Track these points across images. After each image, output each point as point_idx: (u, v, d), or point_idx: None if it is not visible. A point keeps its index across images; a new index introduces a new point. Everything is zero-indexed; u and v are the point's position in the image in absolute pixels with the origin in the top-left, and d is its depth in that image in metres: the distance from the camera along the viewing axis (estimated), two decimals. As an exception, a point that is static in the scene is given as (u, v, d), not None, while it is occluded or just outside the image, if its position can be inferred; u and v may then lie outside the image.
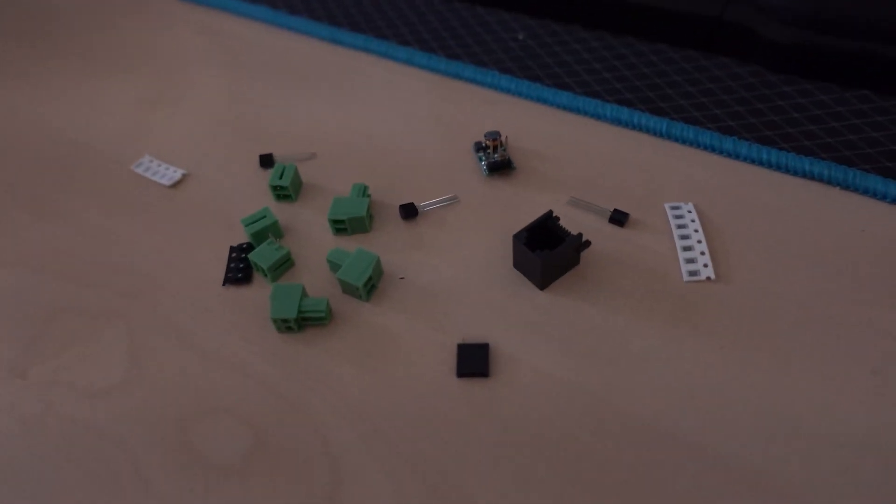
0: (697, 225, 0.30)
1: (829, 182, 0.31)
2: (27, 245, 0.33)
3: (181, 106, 0.40)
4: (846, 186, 0.30)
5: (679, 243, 0.29)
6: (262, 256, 0.30)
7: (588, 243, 0.28)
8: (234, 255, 0.31)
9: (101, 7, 0.49)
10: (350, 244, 0.31)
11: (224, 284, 0.30)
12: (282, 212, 0.33)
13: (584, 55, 0.38)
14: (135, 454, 0.25)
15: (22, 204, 0.35)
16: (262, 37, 0.44)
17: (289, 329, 0.28)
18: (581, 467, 0.23)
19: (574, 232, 0.28)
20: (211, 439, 0.25)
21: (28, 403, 0.27)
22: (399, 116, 0.37)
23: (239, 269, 0.30)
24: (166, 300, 0.30)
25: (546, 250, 0.27)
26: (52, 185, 0.36)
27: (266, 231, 0.31)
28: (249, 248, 0.31)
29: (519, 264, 0.29)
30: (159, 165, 0.36)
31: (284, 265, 0.30)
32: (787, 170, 0.31)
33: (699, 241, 0.29)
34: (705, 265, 0.28)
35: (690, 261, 0.28)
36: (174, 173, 0.35)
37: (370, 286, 0.29)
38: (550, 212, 0.28)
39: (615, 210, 0.30)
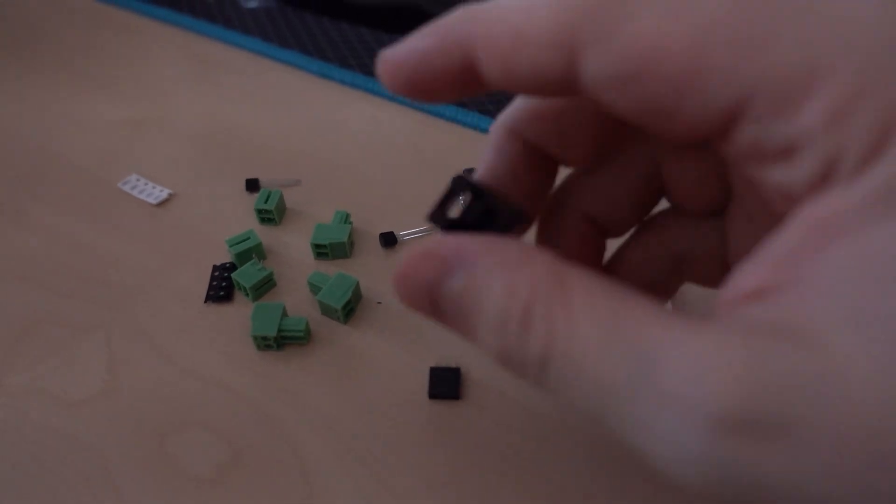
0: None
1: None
2: (7, 256, 0.34)
3: (169, 128, 0.41)
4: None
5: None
6: (245, 276, 0.31)
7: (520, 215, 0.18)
8: (216, 273, 0.32)
9: (90, 28, 0.50)
10: (331, 268, 0.32)
11: (206, 301, 0.31)
12: (266, 234, 0.34)
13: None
14: (110, 465, 0.26)
15: (2, 214, 0.36)
16: (253, 67, 0.45)
17: (268, 347, 0.29)
18: (544, 490, 0.24)
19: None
20: (187, 452, 0.26)
21: (3, 411, 0.27)
22: (382, 149, 0.39)
23: (221, 288, 0.31)
24: (147, 314, 0.31)
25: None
26: (35, 199, 0.37)
27: (250, 252, 0.32)
28: (233, 267, 0.32)
29: None
30: (146, 184, 0.37)
31: (266, 285, 0.31)
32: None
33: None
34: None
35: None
36: (160, 192, 0.36)
37: (349, 309, 0.30)
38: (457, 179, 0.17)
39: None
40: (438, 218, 0.16)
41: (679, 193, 0.19)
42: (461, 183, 0.16)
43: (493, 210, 0.16)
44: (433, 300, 0.15)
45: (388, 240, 0.33)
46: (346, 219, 0.33)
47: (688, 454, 0.12)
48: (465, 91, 0.16)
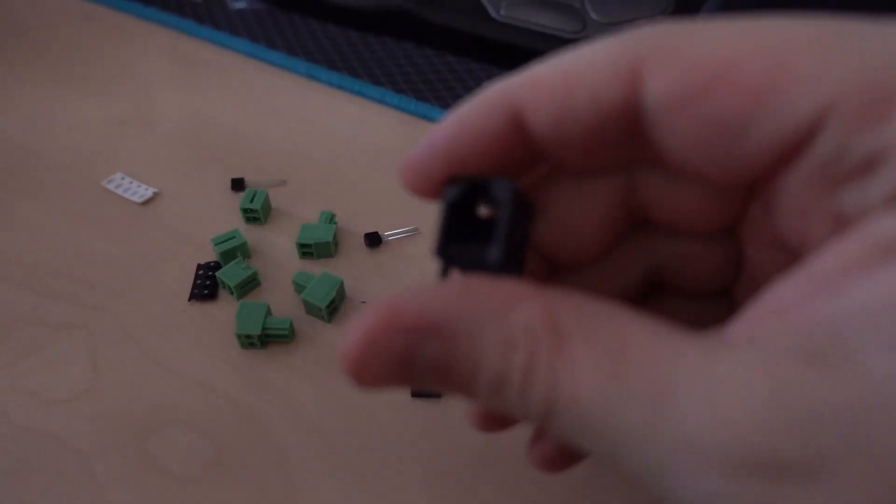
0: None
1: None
2: (-9, 253, 0.34)
3: (155, 127, 0.41)
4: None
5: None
6: (229, 274, 0.31)
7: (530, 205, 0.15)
8: (201, 272, 0.32)
9: (76, 27, 0.50)
10: (315, 268, 0.32)
11: (190, 300, 0.31)
12: (251, 234, 0.34)
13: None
14: (92, 463, 0.26)
15: (-12, 212, 0.36)
16: (240, 67, 0.45)
17: (252, 345, 0.29)
18: (527, 488, 0.25)
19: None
20: (170, 450, 0.26)
21: (-17, 408, 0.27)
22: (368, 150, 0.39)
23: (205, 286, 0.31)
24: (130, 312, 0.31)
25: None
26: (18, 197, 0.37)
27: (235, 251, 0.32)
28: (217, 266, 0.32)
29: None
30: (131, 183, 0.37)
31: (251, 284, 0.31)
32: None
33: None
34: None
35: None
36: (145, 191, 0.36)
37: (333, 308, 0.30)
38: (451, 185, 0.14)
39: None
40: (459, 253, 0.14)
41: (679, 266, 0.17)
42: (468, 188, 0.14)
43: (525, 204, 0.14)
44: (401, 374, 0.13)
45: (373, 240, 0.33)
46: (331, 219, 0.34)
47: (708, 498, 0.11)
48: (509, 154, 0.14)
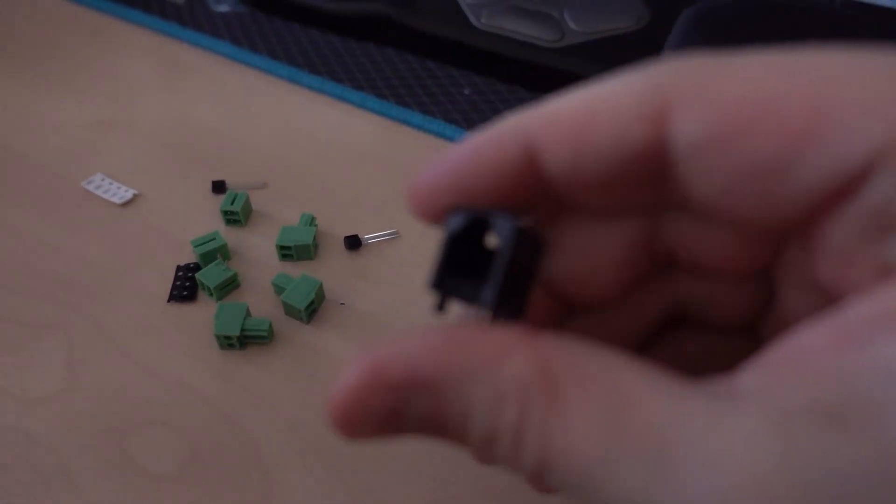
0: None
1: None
2: (-32, 252, 0.33)
3: (136, 129, 0.41)
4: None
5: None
6: (209, 276, 0.31)
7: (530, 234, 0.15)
8: (180, 273, 0.32)
9: (57, 27, 0.50)
10: (295, 270, 0.33)
11: (169, 301, 0.31)
12: (231, 236, 0.34)
13: (523, 113, 0.41)
14: (69, 462, 0.26)
15: (-35, 212, 0.36)
16: (222, 70, 0.46)
17: (231, 346, 0.29)
18: (506, 484, 0.25)
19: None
20: (147, 450, 0.26)
21: (-42, 408, 0.27)
22: (349, 154, 0.39)
23: (185, 287, 0.31)
24: (109, 313, 0.31)
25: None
26: (-2, 196, 0.36)
27: (215, 252, 0.32)
28: (197, 267, 0.32)
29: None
30: (111, 184, 0.37)
31: (230, 285, 0.31)
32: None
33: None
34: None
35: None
36: (125, 192, 0.36)
37: (312, 310, 0.30)
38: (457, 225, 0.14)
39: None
40: (454, 286, 0.13)
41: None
42: (465, 220, 0.13)
43: (531, 241, 0.14)
44: (391, 428, 0.13)
45: (353, 242, 0.33)
46: (311, 221, 0.34)
47: None
48: (521, 191, 0.14)
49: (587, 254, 0.15)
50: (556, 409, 0.11)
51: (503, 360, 0.12)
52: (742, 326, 0.16)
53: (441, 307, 0.14)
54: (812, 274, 0.13)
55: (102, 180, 0.37)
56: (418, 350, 0.12)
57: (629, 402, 0.11)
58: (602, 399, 0.11)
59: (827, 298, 0.13)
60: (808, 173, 0.11)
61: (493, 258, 0.13)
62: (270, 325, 0.29)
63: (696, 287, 0.16)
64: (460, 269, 0.14)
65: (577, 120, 0.13)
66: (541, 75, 0.43)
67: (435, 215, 0.14)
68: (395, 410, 0.12)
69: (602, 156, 0.13)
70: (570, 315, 0.17)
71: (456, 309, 0.15)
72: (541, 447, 0.11)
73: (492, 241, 0.14)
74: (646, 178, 0.13)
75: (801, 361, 0.10)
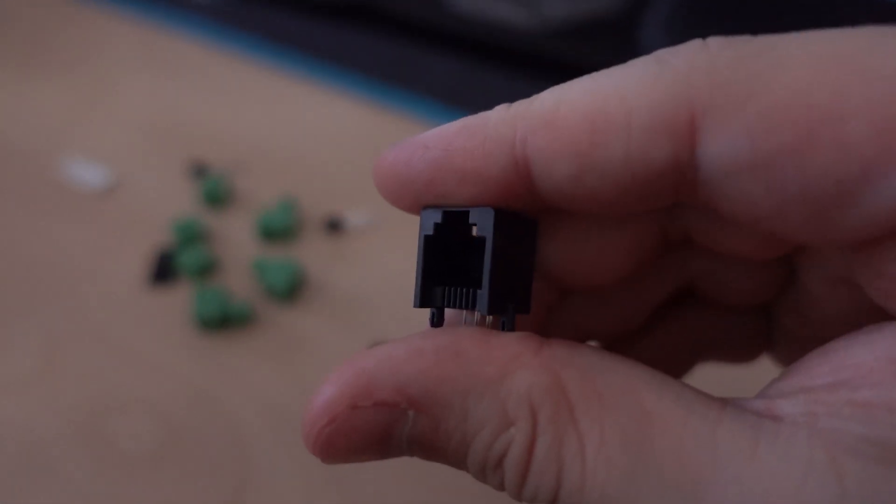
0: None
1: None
2: (-57, 237, 0.33)
3: (115, 114, 0.41)
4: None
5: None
6: (188, 259, 0.31)
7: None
8: (160, 256, 0.32)
9: (36, 14, 0.49)
10: (275, 252, 0.33)
11: (149, 284, 0.31)
12: (211, 219, 0.34)
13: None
14: (46, 445, 0.26)
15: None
16: (203, 56, 0.45)
17: (210, 329, 0.29)
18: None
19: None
20: (125, 432, 0.26)
21: (-66, 392, 0.27)
22: (331, 138, 0.39)
23: (164, 271, 0.31)
24: (87, 296, 0.31)
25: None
26: (-27, 180, 0.36)
27: (194, 235, 0.32)
28: (177, 251, 0.32)
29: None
30: (90, 168, 0.37)
31: (210, 269, 0.31)
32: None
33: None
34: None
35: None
36: (105, 177, 0.36)
37: (292, 292, 0.30)
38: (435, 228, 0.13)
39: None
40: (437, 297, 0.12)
41: (719, 295, 0.15)
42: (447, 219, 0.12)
43: (519, 223, 0.12)
44: (378, 450, 0.11)
45: (334, 225, 0.34)
46: (291, 204, 0.34)
47: None
48: (507, 198, 0.12)
49: (590, 242, 0.13)
50: (568, 434, 0.10)
51: (511, 375, 0.10)
52: (755, 305, 0.15)
53: (436, 321, 0.12)
54: (846, 271, 0.12)
55: (81, 164, 0.37)
56: (410, 364, 0.11)
57: (654, 425, 0.09)
58: (623, 423, 0.09)
59: (863, 300, 0.11)
60: (879, 203, 0.09)
61: (480, 252, 0.12)
62: (250, 308, 0.29)
63: (709, 266, 0.14)
64: (447, 267, 0.12)
65: (579, 130, 0.10)
66: (520, 59, 0.43)
67: (402, 203, 0.13)
68: (384, 432, 0.11)
69: (609, 175, 0.10)
70: (565, 297, 0.15)
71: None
72: (550, 476, 0.10)
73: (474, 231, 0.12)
74: (662, 195, 0.11)
75: (852, 387, 0.09)
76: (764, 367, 0.17)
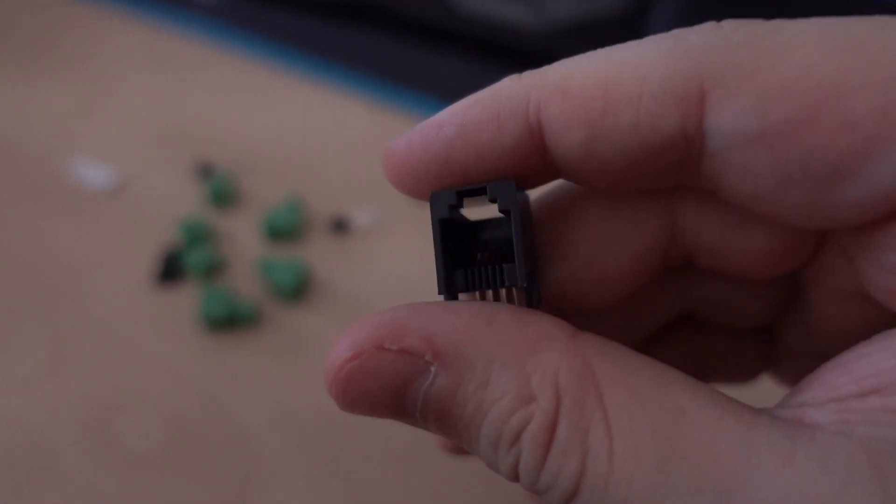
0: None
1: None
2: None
3: (120, 114, 0.41)
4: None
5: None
6: (195, 259, 0.31)
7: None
8: (167, 256, 0.32)
9: (41, 15, 0.49)
10: (282, 252, 0.33)
11: (155, 284, 0.31)
12: (218, 219, 0.34)
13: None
14: (53, 444, 0.26)
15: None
16: (207, 56, 0.45)
17: (217, 329, 0.29)
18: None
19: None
20: (132, 432, 0.26)
21: (-58, 391, 0.27)
22: (337, 137, 0.39)
23: (171, 270, 0.31)
24: (93, 296, 0.31)
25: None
26: (-20, 181, 0.36)
27: (201, 235, 0.32)
28: (184, 251, 0.32)
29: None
30: (95, 168, 0.37)
31: (216, 268, 0.32)
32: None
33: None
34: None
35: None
36: (111, 177, 0.36)
37: (299, 292, 0.30)
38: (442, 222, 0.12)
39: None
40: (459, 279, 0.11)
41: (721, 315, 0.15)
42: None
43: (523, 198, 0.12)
44: (392, 407, 0.11)
45: (340, 224, 0.34)
46: (298, 204, 0.34)
47: None
48: (520, 169, 0.12)
49: (594, 263, 0.13)
50: (597, 419, 0.09)
51: (538, 352, 0.10)
52: (756, 327, 0.15)
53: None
54: (856, 282, 0.12)
55: (87, 165, 0.37)
56: (444, 318, 0.10)
57: (688, 421, 0.09)
58: (655, 414, 0.09)
59: (870, 313, 0.11)
60: (879, 179, 0.09)
61: (488, 232, 0.12)
62: (257, 308, 0.29)
63: (711, 290, 0.14)
64: (458, 251, 0.12)
65: (592, 97, 0.10)
66: (524, 58, 0.43)
67: (419, 192, 0.12)
68: (404, 382, 0.10)
69: (619, 143, 0.10)
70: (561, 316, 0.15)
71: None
72: (575, 462, 0.09)
73: (474, 213, 0.13)
74: (669, 168, 0.11)
75: (883, 394, 0.09)
76: (757, 386, 0.17)
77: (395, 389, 0.11)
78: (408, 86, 0.43)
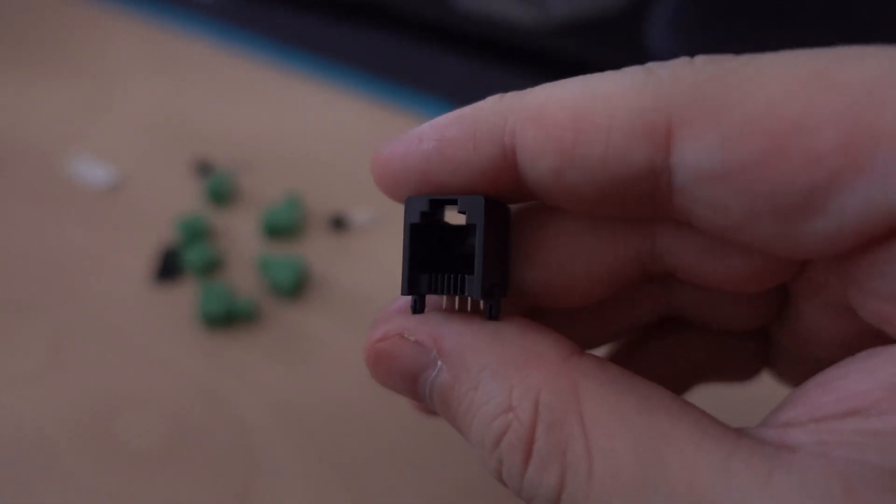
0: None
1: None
2: (-51, 234, 0.33)
3: (120, 112, 0.41)
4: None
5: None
6: (193, 256, 0.31)
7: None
8: (165, 254, 0.32)
9: (40, 14, 0.49)
10: (281, 250, 0.33)
11: (154, 282, 0.31)
12: (216, 216, 0.34)
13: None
14: (53, 442, 0.26)
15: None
16: (208, 54, 0.45)
17: (215, 327, 0.29)
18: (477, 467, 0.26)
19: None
20: (131, 430, 0.26)
21: (-59, 388, 0.27)
22: (337, 136, 0.39)
23: (169, 268, 0.31)
24: (93, 294, 0.31)
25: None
26: (-21, 178, 0.36)
27: (199, 233, 0.32)
28: (182, 248, 0.32)
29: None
30: (94, 166, 0.37)
31: (215, 266, 0.31)
32: None
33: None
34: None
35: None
36: (109, 175, 0.36)
37: (298, 290, 0.30)
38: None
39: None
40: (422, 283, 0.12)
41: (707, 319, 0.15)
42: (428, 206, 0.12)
43: (498, 209, 0.12)
44: (408, 389, 0.13)
45: (339, 222, 0.34)
46: (297, 201, 0.34)
47: None
48: (495, 188, 0.12)
49: (565, 272, 0.13)
50: (576, 437, 0.10)
51: (525, 369, 0.11)
52: (747, 331, 0.15)
53: (417, 308, 0.13)
54: (843, 298, 0.12)
55: (86, 162, 0.37)
56: (454, 326, 0.12)
57: (669, 445, 0.09)
58: (636, 437, 0.09)
59: (861, 326, 0.11)
60: (847, 212, 0.09)
61: (465, 238, 0.13)
62: (256, 306, 0.29)
63: (696, 297, 0.14)
64: (431, 254, 0.13)
65: (563, 127, 0.11)
66: (525, 57, 0.43)
67: (399, 196, 0.13)
68: (417, 369, 0.12)
69: (589, 173, 0.11)
70: (535, 313, 0.15)
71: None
72: (555, 475, 0.10)
73: (457, 217, 0.13)
74: (639, 199, 0.11)
75: (861, 416, 0.09)
76: (757, 383, 0.17)
77: (412, 373, 0.12)
78: (407, 84, 0.43)
